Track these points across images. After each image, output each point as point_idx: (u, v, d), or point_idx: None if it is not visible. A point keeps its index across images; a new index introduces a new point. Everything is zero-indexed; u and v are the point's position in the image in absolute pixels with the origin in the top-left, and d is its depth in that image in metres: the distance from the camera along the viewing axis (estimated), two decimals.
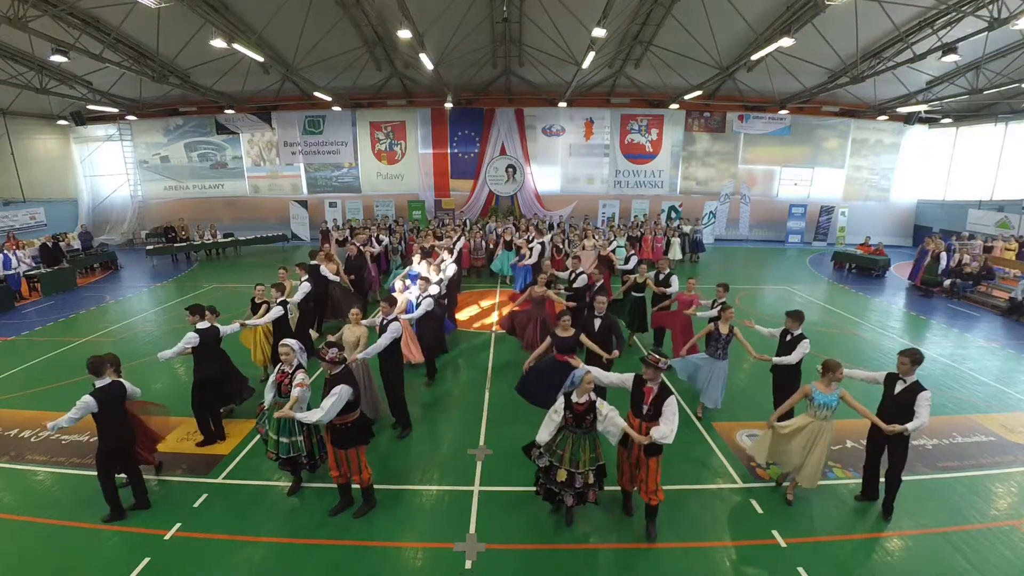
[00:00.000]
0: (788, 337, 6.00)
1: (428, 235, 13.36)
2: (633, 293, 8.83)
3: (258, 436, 5.72)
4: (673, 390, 4.54)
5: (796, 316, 6.00)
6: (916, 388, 4.67)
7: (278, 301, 7.39)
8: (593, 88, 19.62)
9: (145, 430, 5.21)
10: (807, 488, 4.96)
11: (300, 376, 4.80)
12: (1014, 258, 14.56)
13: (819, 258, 18.63)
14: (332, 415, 4.41)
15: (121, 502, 4.90)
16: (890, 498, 4.91)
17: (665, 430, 4.20)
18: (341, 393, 4.41)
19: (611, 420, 4.30)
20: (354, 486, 4.97)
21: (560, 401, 4.45)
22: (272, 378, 5.01)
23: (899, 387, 4.74)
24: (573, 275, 8.59)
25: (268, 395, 5.02)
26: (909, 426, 4.54)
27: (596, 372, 4.65)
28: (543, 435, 4.43)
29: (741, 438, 6.30)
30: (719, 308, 6.68)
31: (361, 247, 11.24)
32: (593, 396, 4.38)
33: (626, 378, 4.67)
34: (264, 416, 5.06)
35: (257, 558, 4.42)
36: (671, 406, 4.33)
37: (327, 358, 4.57)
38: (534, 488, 4.73)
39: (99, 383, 4.67)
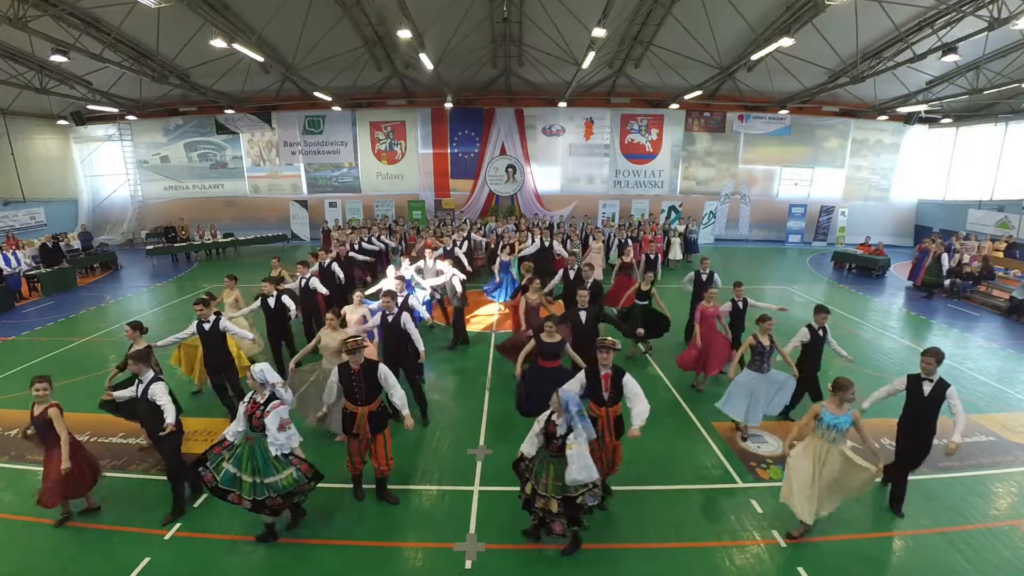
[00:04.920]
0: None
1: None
2: (638, 301, 8.42)
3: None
4: (625, 369, 4.70)
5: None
6: (943, 385, 4.67)
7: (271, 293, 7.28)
8: (593, 88, 19.60)
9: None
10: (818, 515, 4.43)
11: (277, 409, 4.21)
12: (1002, 257, 14.57)
13: (819, 258, 18.61)
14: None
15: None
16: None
17: (641, 408, 4.47)
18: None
19: (579, 455, 3.91)
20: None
21: (545, 415, 4.17)
22: (242, 409, 4.29)
23: (927, 387, 4.72)
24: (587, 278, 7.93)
25: (237, 430, 4.28)
26: (955, 437, 4.52)
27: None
28: (527, 447, 4.25)
29: (741, 438, 6.30)
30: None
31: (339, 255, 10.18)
32: (565, 428, 4.01)
33: (579, 377, 4.72)
34: (228, 454, 4.26)
35: (257, 558, 4.42)
36: (631, 383, 4.57)
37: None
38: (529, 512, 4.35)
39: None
